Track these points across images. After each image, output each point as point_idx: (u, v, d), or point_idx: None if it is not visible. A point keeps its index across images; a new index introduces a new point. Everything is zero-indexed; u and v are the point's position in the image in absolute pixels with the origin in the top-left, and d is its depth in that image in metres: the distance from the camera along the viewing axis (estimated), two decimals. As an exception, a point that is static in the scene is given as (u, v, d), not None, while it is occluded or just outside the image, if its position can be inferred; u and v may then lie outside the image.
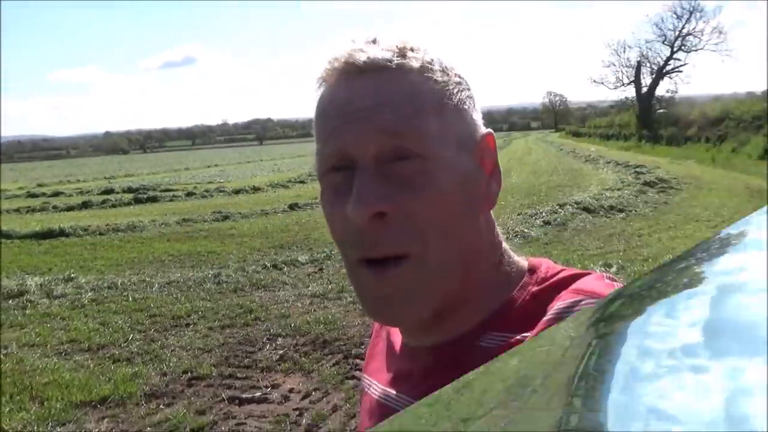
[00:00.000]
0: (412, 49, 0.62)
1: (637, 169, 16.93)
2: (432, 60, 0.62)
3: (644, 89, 34.55)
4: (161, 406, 3.92)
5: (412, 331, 0.67)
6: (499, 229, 0.68)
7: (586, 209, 10.53)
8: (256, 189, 20.16)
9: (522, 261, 0.69)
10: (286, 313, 5.75)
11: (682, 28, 32.96)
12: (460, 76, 0.65)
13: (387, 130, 0.58)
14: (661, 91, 34.59)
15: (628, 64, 35.65)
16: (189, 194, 19.34)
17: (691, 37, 33.09)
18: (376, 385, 0.74)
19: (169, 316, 5.89)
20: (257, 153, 66.65)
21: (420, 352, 0.66)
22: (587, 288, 0.58)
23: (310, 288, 6.67)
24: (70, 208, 17.12)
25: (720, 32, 32.29)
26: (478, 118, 0.65)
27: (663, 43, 33.94)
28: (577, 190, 13.76)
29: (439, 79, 0.62)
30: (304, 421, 3.63)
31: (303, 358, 4.59)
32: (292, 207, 14.23)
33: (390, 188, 0.58)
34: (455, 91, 0.63)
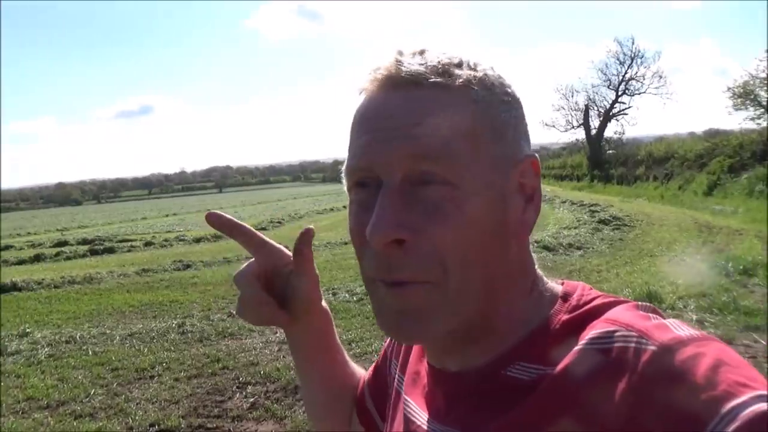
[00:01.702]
0: (458, 65, 0.59)
1: (592, 208, 17.54)
2: (477, 77, 0.59)
3: (593, 131, 36.02)
4: (128, 461, 3.78)
5: (434, 352, 0.66)
6: (533, 255, 0.66)
7: (546, 247, 10.80)
8: (217, 237, 19.82)
9: (556, 286, 0.66)
10: (255, 361, 5.66)
11: (625, 73, 34.79)
12: (508, 94, 0.62)
13: (416, 153, 0.56)
14: (609, 132, 36.10)
15: (576, 108, 37.24)
16: (147, 244, 18.91)
17: (633, 82, 34.91)
18: (402, 383, 0.75)
19: (132, 368, 5.70)
20: (217, 201, 65.90)
21: (444, 377, 0.65)
22: (622, 319, 0.54)
23: (277, 334, 6.57)
24: (21, 262, 16.48)
25: (660, 77, 34.21)
26: (522, 139, 0.62)
27: (608, 87, 35.69)
28: (536, 229, 14.10)
29: (481, 98, 0.59)
30: (278, 468, 3.56)
31: (275, 405, 4.52)
32: (255, 254, 14.08)
33: (413, 214, 0.56)
34: (498, 111, 0.60)
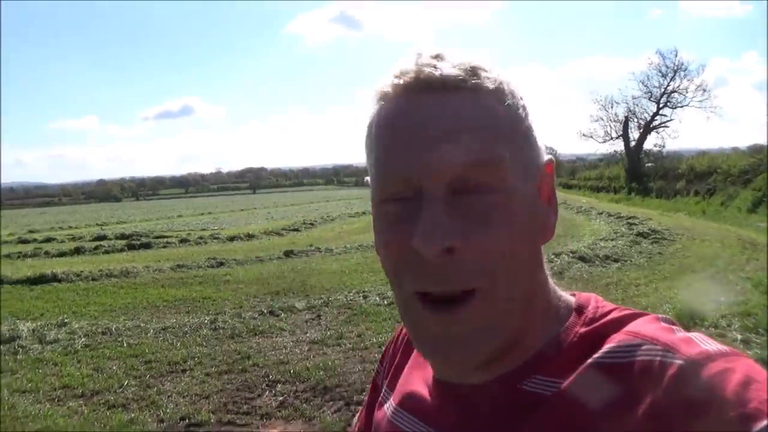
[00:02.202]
0: (483, 69, 0.57)
1: (630, 220, 17.10)
2: (503, 82, 0.58)
3: (632, 143, 35.24)
4: (159, 453, 3.82)
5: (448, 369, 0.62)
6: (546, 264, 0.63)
7: (582, 258, 10.58)
8: (250, 236, 20.13)
9: (569, 297, 0.64)
10: (285, 359, 5.67)
11: (667, 85, 33.92)
12: (524, 99, 0.60)
13: (464, 159, 0.53)
14: (648, 145, 35.26)
15: (615, 119, 36.49)
16: (183, 241, 19.25)
17: (676, 94, 34.05)
18: (392, 404, 0.71)
19: (165, 362, 5.78)
20: (250, 201, 66.81)
21: (455, 390, 0.61)
22: (646, 332, 0.52)
23: (308, 334, 6.59)
24: (62, 254, 16.98)
25: (704, 90, 33.25)
26: (541, 144, 0.61)
27: (649, 99, 34.89)
28: (571, 239, 13.86)
29: (511, 103, 0.57)
30: (306, 469, 3.54)
31: (304, 405, 4.51)
32: (288, 254, 14.19)
33: (461, 222, 0.53)
34: (524, 116, 0.59)
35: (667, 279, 8.99)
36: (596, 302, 0.61)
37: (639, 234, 13.89)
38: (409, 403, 0.68)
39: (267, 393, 4.82)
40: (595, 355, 0.53)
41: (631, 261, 10.74)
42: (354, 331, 6.61)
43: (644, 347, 0.50)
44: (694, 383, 0.46)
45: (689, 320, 6.11)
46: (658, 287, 8.39)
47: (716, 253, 11.17)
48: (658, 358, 0.49)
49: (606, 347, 0.53)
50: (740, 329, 5.90)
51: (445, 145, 0.53)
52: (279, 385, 4.97)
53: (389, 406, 0.71)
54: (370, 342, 6.08)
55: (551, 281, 0.63)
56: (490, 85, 0.56)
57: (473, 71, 0.56)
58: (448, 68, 0.55)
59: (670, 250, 11.95)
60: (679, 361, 0.48)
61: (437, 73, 0.55)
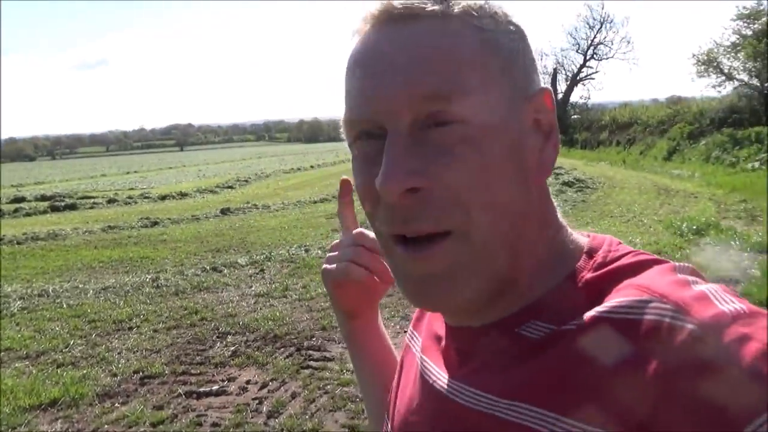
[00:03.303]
0: None
1: (556, 171, 17.90)
2: (477, 4, 0.54)
3: (560, 95, 36.43)
4: (116, 404, 3.91)
5: (451, 313, 0.62)
6: (555, 202, 0.60)
7: (513, 207, 11.12)
8: (183, 195, 19.67)
9: (581, 239, 0.59)
10: (233, 312, 5.79)
11: (594, 37, 35.12)
12: (513, 24, 0.56)
13: (424, 92, 0.50)
14: (575, 97, 36.62)
15: (545, 71, 37.44)
16: (110, 201, 18.57)
17: (602, 46, 35.30)
18: (419, 347, 0.70)
19: (109, 320, 5.77)
20: (179, 159, 64.41)
21: (459, 334, 0.61)
22: (656, 287, 0.48)
23: (253, 288, 6.71)
24: (-22, 218, 16.01)
25: (628, 42, 34.67)
26: (533, 72, 0.57)
27: (577, 51, 36.02)
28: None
29: (487, 27, 0.53)
30: (264, 408, 3.74)
31: (256, 353, 4.68)
32: (224, 212, 14.05)
33: (426, 159, 0.50)
34: (506, 41, 0.54)
35: (589, 225, 9.65)
36: (609, 245, 0.57)
37: (564, 183, 14.68)
38: (429, 346, 0.67)
39: (218, 344, 4.96)
40: (599, 308, 0.49)
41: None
42: (299, 283, 6.79)
43: (653, 305, 0.46)
44: (706, 351, 0.42)
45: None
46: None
47: (633, 200, 12.02)
48: (667, 320, 0.44)
49: (612, 301, 0.49)
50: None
51: (404, 78, 0.50)
52: (230, 337, 5.11)
53: (416, 349, 0.71)
54: (315, 293, 6.28)
55: (563, 220, 0.60)
56: (458, 9, 0.53)
57: None
58: None
59: (593, 198, 12.75)
60: (690, 326, 0.43)
61: (399, 2, 0.52)
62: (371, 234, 0.71)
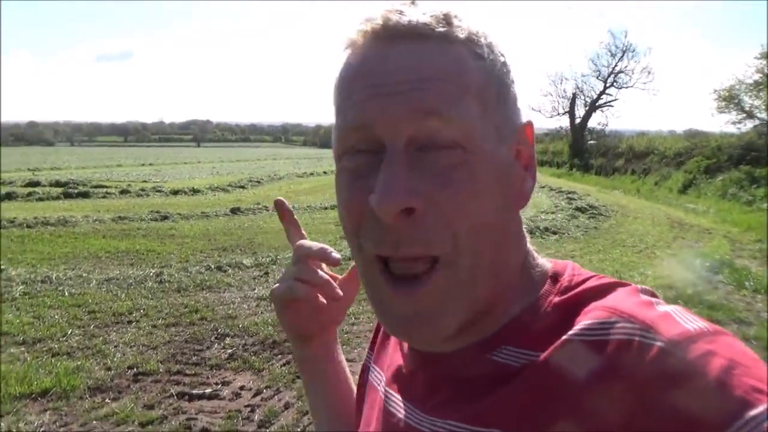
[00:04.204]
0: (458, 18, 0.53)
1: (569, 195, 17.81)
2: (478, 32, 0.54)
3: (578, 120, 36.32)
4: (107, 399, 3.85)
5: None
6: (524, 228, 0.61)
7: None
8: (195, 191, 19.72)
9: (546, 264, 0.60)
10: (233, 314, 5.73)
11: (615, 65, 35.00)
12: (504, 56, 0.56)
13: (427, 111, 0.50)
14: (593, 123, 36.47)
15: (564, 95, 37.44)
16: (123, 192, 18.67)
17: (622, 75, 35.17)
18: (383, 381, 0.68)
19: (109, 312, 5.73)
20: (195, 154, 64.81)
21: (429, 360, 0.59)
22: (624, 308, 0.49)
23: (256, 291, 6.66)
24: (-9, 199, 16.14)
25: (649, 72, 34.52)
26: (518, 104, 0.57)
27: (597, 78, 35.90)
28: (514, 211, 14.32)
29: (486, 56, 0.53)
30: (256, 417, 3.67)
31: (253, 357, 4.61)
32: (234, 211, 14.05)
33: (422, 181, 0.50)
34: (500, 72, 0.55)
35: (601, 252, 9.52)
36: (572, 270, 0.58)
37: (577, 209, 14.52)
38: (393, 378, 0.65)
39: (216, 345, 4.90)
40: (570, 332, 0.50)
41: (568, 234, 11.26)
42: (302, 289, 6.71)
43: (621, 324, 0.47)
44: (675, 367, 0.43)
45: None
46: (592, 259, 8.88)
47: (646, 230, 11.86)
48: (637, 338, 0.46)
49: (582, 323, 0.50)
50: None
51: (408, 96, 0.50)
52: (228, 339, 5.05)
53: (379, 382, 0.69)
54: (318, 300, 6.21)
55: (530, 247, 0.61)
56: (462, 35, 0.52)
57: (445, 19, 0.52)
58: (417, 15, 0.52)
59: (605, 226, 12.59)
60: (658, 343, 0.45)
61: (405, 20, 0.52)
62: (314, 244, 0.70)
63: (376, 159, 0.51)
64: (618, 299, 0.51)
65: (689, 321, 0.47)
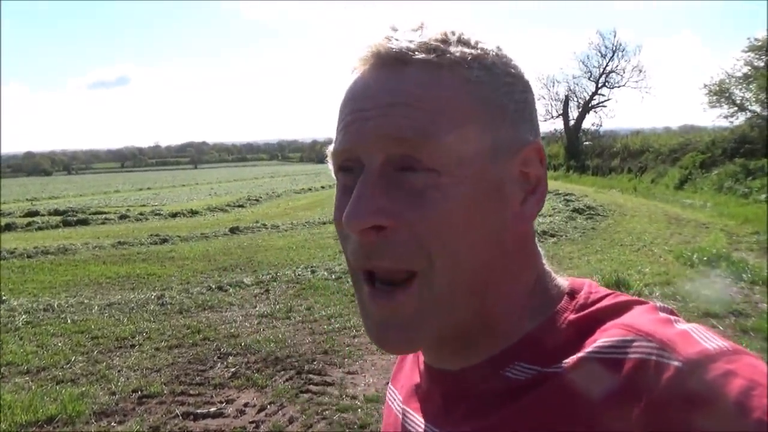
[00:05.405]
0: (454, 42, 0.55)
1: (567, 197, 17.89)
2: (473, 55, 0.55)
3: (572, 122, 36.44)
4: (113, 423, 3.88)
5: (431, 353, 0.62)
6: (540, 249, 0.61)
7: (521, 233, 11.04)
8: (193, 212, 19.79)
9: (563, 282, 0.61)
10: (235, 333, 5.76)
11: (606, 65, 35.16)
12: (512, 76, 0.57)
13: (395, 136, 0.52)
14: (587, 124, 36.57)
15: (557, 98, 37.55)
16: (122, 217, 18.74)
17: (614, 74, 35.33)
18: (398, 399, 0.70)
19: (112, 337, 5.76)
20: (193, 177, 65.01)
21: (441, 376, 0.61)
22: (641, 326, 0.49)
23: (257, 308, 6.69)
24: (-9, 231, 16.18)
25: (640, 70, 34.67)
26: (525, 124, 0.57)
27: (589, 79, 36.06)
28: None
29: (476, 78, 0.54)
30: (261, 433, 3.70)
31: (256, 375, 4.64)
32: (233, 230, 14.10)
33: (394, 200, 0.52)
34: (501, 92, 0.55)
35: (599, 252, 9.56)
36: (590, 288, 0.58)
37: (575, 210, 14.58)
38: (410, 397, 0.67)
39: (219, 365, 4.93)
40: (587, 349, 0.50)
41: (566, 236, 11.31)
42: (303, 304, 6.76)
43: (638, 343, 0.47)
44: (692, 388, 0.43)
45: (616, 288, 6.56)
46: (590, 260, 8.92)
47: (644, 228, 11.90)
48: (654, 358, 0.46)
49: (599, 341, 0.50)
50: (661, 297, 6.43)
51: (379, 121, 0.52)
52: (230, 357, 5.08)
53: (397, 404, 0.70)
54: (319, 315, 6.25)
55: (546, 265, 0.61)
56: (450, 60, 0.53)
57: (435, 44, 0.54)
58: (405, 41, 0.54)
59: (603, 226, 12.64)
60: (676, 363, 0.44)
61: (390, 46, 0.54)
62: None
63: (359, 177, 0.54)
64: (636, 317, 0.51)
65: (708, 340, 0.46)
